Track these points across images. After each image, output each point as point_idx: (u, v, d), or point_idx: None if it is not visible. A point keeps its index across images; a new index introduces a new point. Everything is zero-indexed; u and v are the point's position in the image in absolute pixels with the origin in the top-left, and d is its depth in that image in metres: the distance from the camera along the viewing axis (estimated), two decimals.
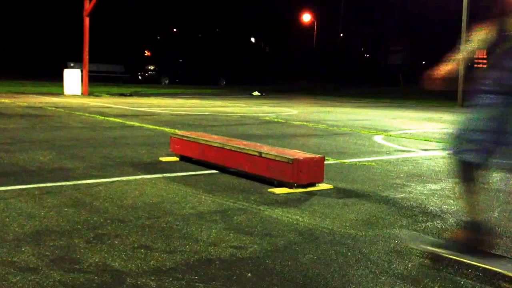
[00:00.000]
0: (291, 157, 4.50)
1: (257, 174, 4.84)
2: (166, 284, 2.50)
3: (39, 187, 4.32)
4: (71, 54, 28.13)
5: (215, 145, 5.31)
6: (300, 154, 4.74)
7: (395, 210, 3.99)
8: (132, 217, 3.56)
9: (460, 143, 2.84)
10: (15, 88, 20.91)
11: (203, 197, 4.18)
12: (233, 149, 5.09)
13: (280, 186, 4.53)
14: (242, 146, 5.06)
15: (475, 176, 2.86)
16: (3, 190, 4.18)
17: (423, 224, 3.65)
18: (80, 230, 3.24)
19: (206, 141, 5.46)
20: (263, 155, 4.74)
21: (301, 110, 14.89)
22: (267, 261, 2.84)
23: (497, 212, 4.03)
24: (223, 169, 5.22)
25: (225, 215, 3.69)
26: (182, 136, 5.82)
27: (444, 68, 3.01)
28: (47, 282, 2.46)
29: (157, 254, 2.88)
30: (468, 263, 2.83)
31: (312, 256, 2.95)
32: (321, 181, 4.67)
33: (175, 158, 5.78)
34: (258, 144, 5.48)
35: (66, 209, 3.69)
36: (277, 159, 4.60)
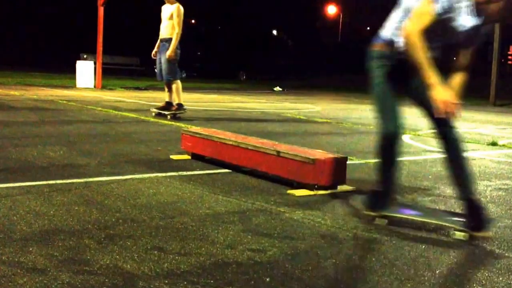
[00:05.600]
0: (311, 157, 4.31)
1: (274, 175, 4.63)
2: None
3: (48, 184, 4.21)
4: (84, 45, 27.69)
5: (230, 143, 5.08)
6: (321, 154, 4.57)
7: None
8: (145, 217, 3.45)
9: None
10: (24, 79, 20.89)
11: (220, 197, 4.05)
12: (249, 147, 4.86)
13: (300, 187, 4.34)
14: (258, 145, 4.84)
15: None
16: (10, 187, 4.07)
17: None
18: (90, 230, 3.14)
19: (220, 138, 5.23)
20: (281, 154, 4.53)
21: (325, 107, 14.70)
22: (287, 265, 2.72)
23: None
24: (237, 169, 5.03)
25: (243, 216, 3.56)
26: (194, 133, 5.59)
27: None
28: (56, 284, 2.37)
29: (171, 256, 2.77)
30: None
31: (334, 260, 2.83)
32: (344, 183, 4.48)
33: (186, 156, 5.56)
34: (276, 143, 5.28)
35: (76, 208, 3.59)
36: (296, 159, 4.40)
